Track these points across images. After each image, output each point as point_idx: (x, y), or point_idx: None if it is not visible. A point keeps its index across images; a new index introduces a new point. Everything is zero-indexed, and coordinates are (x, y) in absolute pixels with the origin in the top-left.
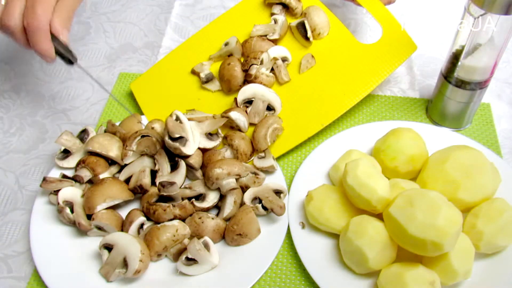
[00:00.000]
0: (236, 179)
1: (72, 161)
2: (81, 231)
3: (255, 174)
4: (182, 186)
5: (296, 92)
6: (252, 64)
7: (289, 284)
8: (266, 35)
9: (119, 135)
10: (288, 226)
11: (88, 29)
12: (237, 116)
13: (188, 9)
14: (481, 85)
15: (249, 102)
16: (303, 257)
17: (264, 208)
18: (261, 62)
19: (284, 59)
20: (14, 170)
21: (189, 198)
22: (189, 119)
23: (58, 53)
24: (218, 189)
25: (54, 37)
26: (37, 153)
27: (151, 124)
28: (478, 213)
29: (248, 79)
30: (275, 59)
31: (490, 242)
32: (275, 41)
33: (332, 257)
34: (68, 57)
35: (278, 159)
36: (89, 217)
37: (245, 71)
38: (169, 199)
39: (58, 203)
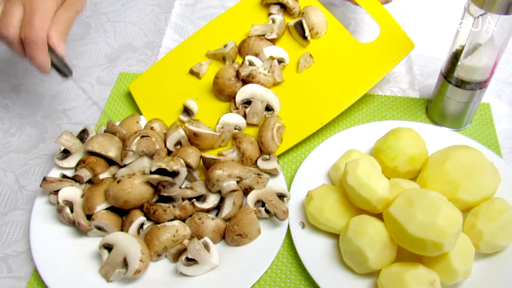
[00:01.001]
0: (237, 182)
1: (72, 161)
2: (81, 231)
3: (258, 174)
4: (183, 186)
5: (295, 91)
6: (250, 65)
7: (289, 284)
8: (264, 35)
9: (119, 135)
10: (288, 226)
11: (88, 29)
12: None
13: (188, 9)
14: (481, 85)
15: (247, 102)
16: (303, 257)
17: (267, 211)
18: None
19: (280, 60)
20: (14, 170)
21: (190, 199)
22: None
23: (53, 66)
24: (219, 191)
25: (50, 49)
26: (37, 153)
27: (150, 124)
28: (478, 213)
29: (246, 79)
30: (271, 58)
31: (490, 242)
32: (273, 41)
33: (332, 257)
34: (63, 71)
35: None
36: (89, 217)
37: (243, 80)
38: (169, 199)
39: (58, 203)
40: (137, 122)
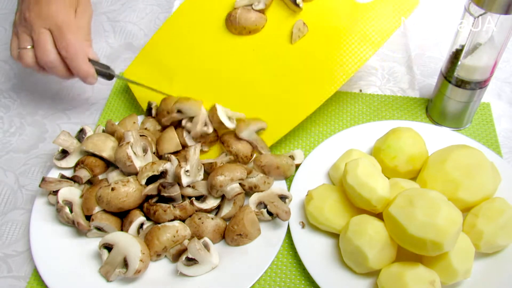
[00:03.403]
0: (240, 184)
1: (70, 161)
2: (81, 231)
3: (265, 173)
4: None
5: (289, 65)
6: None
7: (289, 284)
8: (251, 5)
9: (117, 135)
10: (288, 226)
11: None
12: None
13: None
14: (481, 84)
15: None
16: (303, 257)
17: (269, 213)
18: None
19: (260, 129)
20: (14, 169)
21: (189, 197)
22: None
23: (97, 72)
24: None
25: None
26: (37, 152)
27: (143, 125)
28: (478, 213)
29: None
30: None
31: (490, 241)
32: (261, 11)
33: (332, 256)
34: (107, 73)
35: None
36: (88, 218)
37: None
38: (169, 199)
39: (58, 203)
40: (134, 122)
